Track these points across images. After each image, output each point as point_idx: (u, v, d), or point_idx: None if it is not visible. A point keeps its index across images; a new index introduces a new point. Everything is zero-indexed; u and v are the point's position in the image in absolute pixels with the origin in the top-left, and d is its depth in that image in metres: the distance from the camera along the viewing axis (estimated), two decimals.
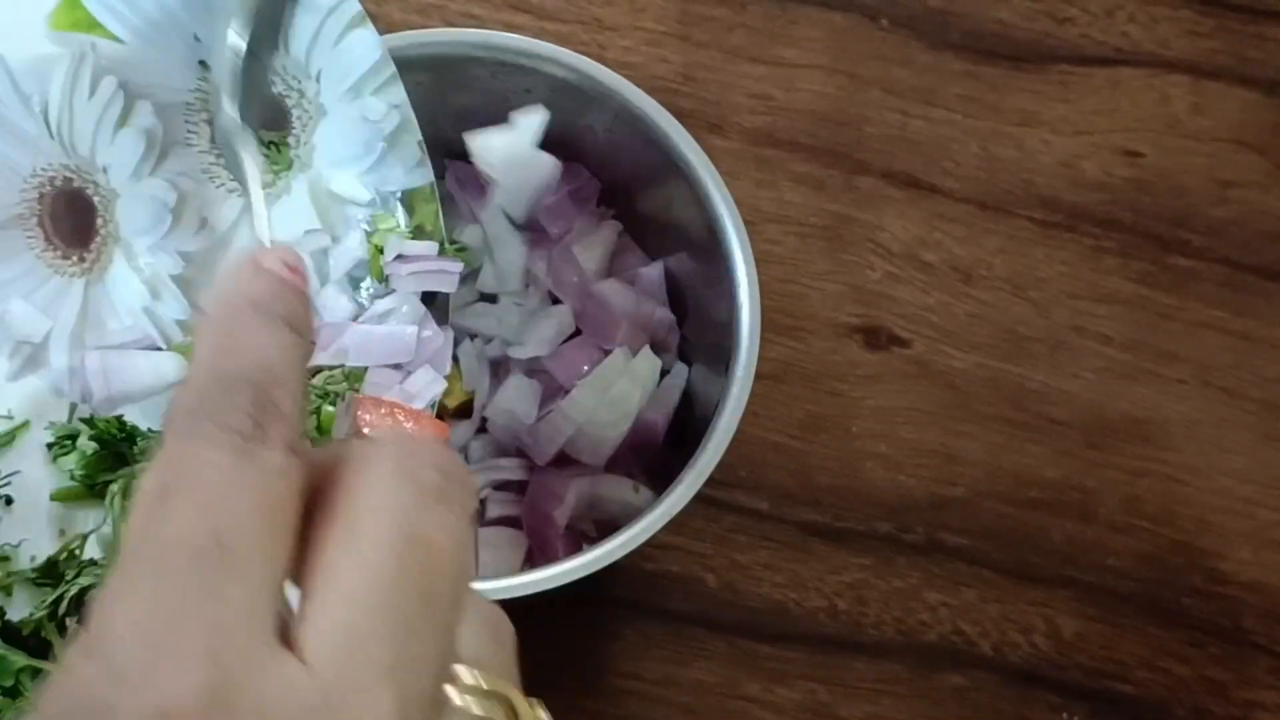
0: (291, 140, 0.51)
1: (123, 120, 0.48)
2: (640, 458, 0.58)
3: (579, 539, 0.57)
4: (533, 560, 0.57)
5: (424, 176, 0.52)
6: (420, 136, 0.52)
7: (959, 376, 0.69)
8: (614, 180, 0.62)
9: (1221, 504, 0.68)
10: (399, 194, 0.52)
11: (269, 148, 0.51)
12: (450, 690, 0.26)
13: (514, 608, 0.51)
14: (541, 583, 0.50)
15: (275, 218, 0.51)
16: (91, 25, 0.47)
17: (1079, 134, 0.74)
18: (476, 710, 0.27)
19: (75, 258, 0.49)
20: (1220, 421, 0.69)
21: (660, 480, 0.54)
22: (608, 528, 0.52)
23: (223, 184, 0.51)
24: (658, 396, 0.58)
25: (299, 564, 0.26)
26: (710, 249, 0.56)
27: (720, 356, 0.55)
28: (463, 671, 0.27)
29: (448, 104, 0.60)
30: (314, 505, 0.27)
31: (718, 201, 0.56)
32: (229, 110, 0.49)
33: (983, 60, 0.75)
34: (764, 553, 0.65)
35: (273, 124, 0.51)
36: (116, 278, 0.49)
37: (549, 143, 0.58)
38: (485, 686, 0.27)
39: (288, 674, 0.24)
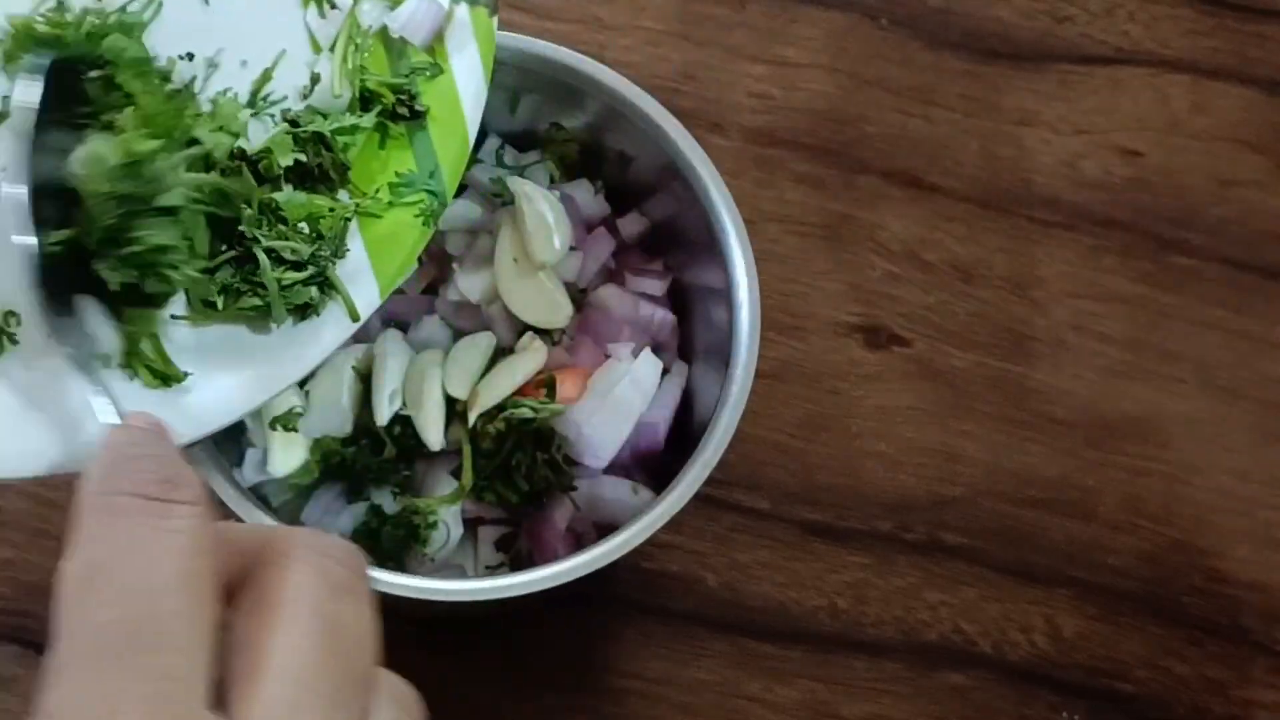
0: None
1: None
2: (641, 459, 0.58)
3: (578, 540, 0.57)
4: (533, 560, 0.57)
5: None
6: None
7: (959, 376, 0.69)
8: (614, 180, 0.62)
9: (1221, 503, 0.68)
10: None
11: None
12: None
13: (515, 607, 0.51)
14: (541, 582, 0.50)
15: None
16: None
17: (1079, 133, 0.74)
18: None
19: None
20: (1220, 421, 0.69)
21: (660, 481, 0.54)
22: (607, 529, 0.52)
23: None
24: (658, 397, 0.58)
25: (227, 646, 0.29)
26: (710, 249, 0.56)
27: (720, 356, 0.55)
28: None
29: None
30: (238, 590, 0.30)
31: (718, 201, 0.56)
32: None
33: (982, 59, 0.75)
34: (764, 552, 0.65)
35: None
36: None
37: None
38: None
39: None
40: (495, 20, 0.51)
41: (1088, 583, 0.66)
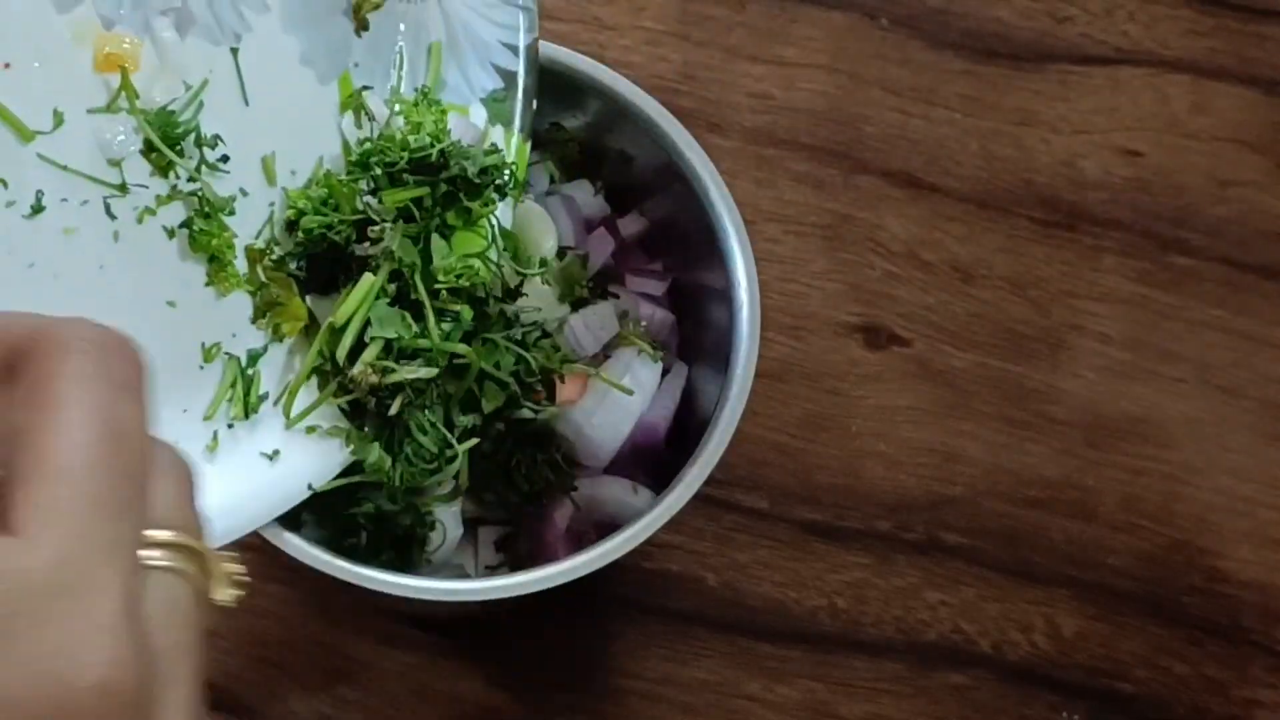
0: None
1: None
2: (641, 459, 0.58)
3: (578, 540, 0.57)
4: (533, 560, 0.57)
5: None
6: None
7: (959, 375, 0.69)
8: (614, 180, 0.62)
9: (1221, 503, 0.68)
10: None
11: None
12: (146, 553, 0.28)
13: (515, 607, 0.51)
14: (542, 582, 0.50)
15: None
16: None
17: (1079, 133, 0.74)
18: (171, 564, 0.29)
19: None
20: (1220, 421, 0.69)
21: (660, 480, 0.54)
22: (607, 529, 0.52)
23: None
24: (658, 398, 0.58)
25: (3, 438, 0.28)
26: (710, 249, 0.56)
27: (720, 356, 0.55)
28: (155, 533, 0.29)
29: None
30: (13, 384, 0.29)
31: (718, 201, 0.56)
32: None
33: (982, 59, 0.75)
34: (764, 552, 0.65)
35: None
36: None
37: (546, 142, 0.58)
38: (176, 542, 0.29)
39: (13, 557, 0.25)
40: (528, 146, 0.52)
41: (1088, 583, 0.66)
